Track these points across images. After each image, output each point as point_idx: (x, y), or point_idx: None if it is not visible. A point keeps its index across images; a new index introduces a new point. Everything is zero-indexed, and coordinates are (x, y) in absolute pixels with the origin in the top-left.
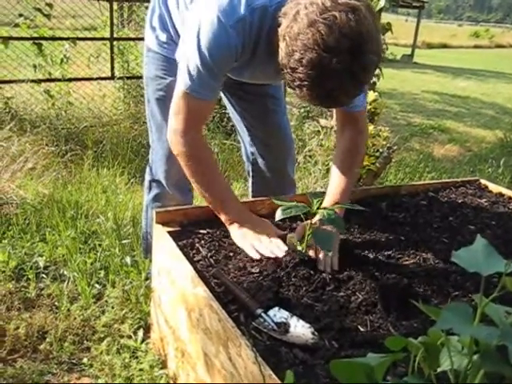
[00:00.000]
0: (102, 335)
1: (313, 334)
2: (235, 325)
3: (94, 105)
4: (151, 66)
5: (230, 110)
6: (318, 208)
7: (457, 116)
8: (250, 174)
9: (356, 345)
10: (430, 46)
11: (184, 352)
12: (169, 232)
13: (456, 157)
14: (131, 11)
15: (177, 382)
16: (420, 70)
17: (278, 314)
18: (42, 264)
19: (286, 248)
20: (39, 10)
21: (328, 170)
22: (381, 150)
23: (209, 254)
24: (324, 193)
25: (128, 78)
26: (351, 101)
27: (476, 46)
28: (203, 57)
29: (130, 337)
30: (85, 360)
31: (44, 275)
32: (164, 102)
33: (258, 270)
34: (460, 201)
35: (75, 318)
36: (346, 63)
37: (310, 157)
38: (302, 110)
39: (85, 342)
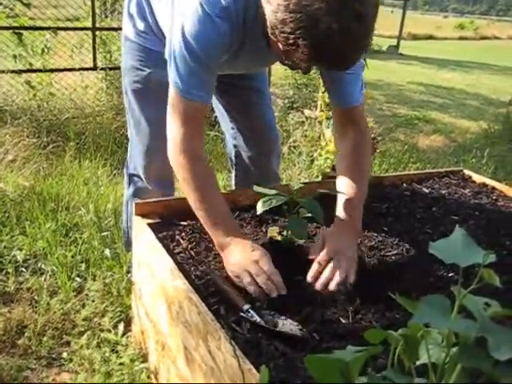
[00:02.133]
0: (82, 329)
1: (300, 330)
2: (215, 318)
3: (77, 96)
4: (128, 56)
5: (214, 103)
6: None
7: (442, 107)
8: (234, 167)
9: (337, 337)
10: (415, 38)
11: (164, 345)
12: (148, 224)
13: (441, 147)
14: (114, 0)
15: (157, 377)
16: (406, 61)
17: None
18: (21, 257)
19: (283, 286)
20: None
21: (312, 161)
22: None
23: (189, 246)
24: (307, 183)
25: (111, 68)
26: (357, 53)
27: (461, 38)
28: (191, 50)
29: (110, 330)
30: (64, 355)
31: (23, 269)
32: (141, 94)
33: None
34: (443, 191)
35: (55, 312)
36: None
37: (295, 147)
38: (286, 101)
39: (64, 336)
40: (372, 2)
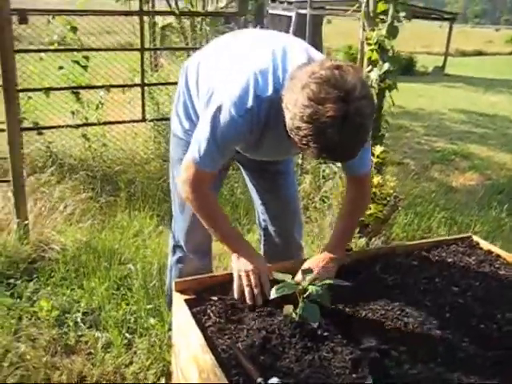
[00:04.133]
0: (131, 382)
1: None
2: None
3: (127, 146)
4: (177, 150)
5: (248, 183)
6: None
7: (482, 138)
8: (262, 237)
9: None
10: (464, 54)
11: None
12: (185, 300)
13: (473, 187)
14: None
15: None
16: (450, 83)
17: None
18: (80, 311)
19: (259, 299)
20: (77, 62)
21: None
22: (388, 199)
23: (218, 320)
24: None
25: (158, 119)
26: (357, 150)
27: None
28: (215, 138)
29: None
30: None
31: (82, 324)
32: None
33: (259, 338)
34: (449, 260)
35: (108, 366)
36: (339, 110)
37: (326, 198)
38: None
39: None
40: (370, 112)
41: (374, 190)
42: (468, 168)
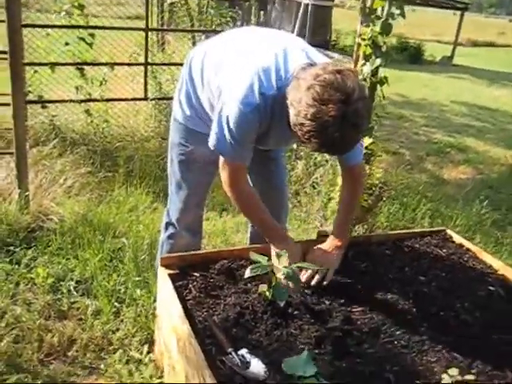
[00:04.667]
0: (116, 347)
1: (265, 373)
2: (205, 357)
3: (128, 123)
4: (176, 134)
5: None
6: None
7: (480, 132)
8: None
9: (290, 378)
10: (475, 44)
11: (174, 368)
12: (169, 274)
13: (464, 181)
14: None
15: None
16: (457, 74)
17: (245, 355)
18: (74, 279)
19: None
20: (83, 39)
21: (330, 200)
22: (373, 189)
23: (197, 294)
24: (304, 241)
25: (160, 99)
26: (353, 146)
27: None
28: (232, 135)
29: (137, 349)
30: (102, 366)
31: (75, 291)
32: (185, 164)
33: (234, 313)
34: (421, 251)
35: (97, 331)
36: (340, 110)
37: (316, 184)
38: None
39: (103, 351)
40: (365, 112)
41: None
42: (462, 161)
